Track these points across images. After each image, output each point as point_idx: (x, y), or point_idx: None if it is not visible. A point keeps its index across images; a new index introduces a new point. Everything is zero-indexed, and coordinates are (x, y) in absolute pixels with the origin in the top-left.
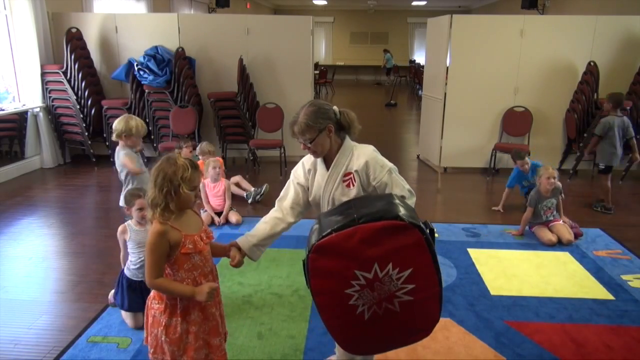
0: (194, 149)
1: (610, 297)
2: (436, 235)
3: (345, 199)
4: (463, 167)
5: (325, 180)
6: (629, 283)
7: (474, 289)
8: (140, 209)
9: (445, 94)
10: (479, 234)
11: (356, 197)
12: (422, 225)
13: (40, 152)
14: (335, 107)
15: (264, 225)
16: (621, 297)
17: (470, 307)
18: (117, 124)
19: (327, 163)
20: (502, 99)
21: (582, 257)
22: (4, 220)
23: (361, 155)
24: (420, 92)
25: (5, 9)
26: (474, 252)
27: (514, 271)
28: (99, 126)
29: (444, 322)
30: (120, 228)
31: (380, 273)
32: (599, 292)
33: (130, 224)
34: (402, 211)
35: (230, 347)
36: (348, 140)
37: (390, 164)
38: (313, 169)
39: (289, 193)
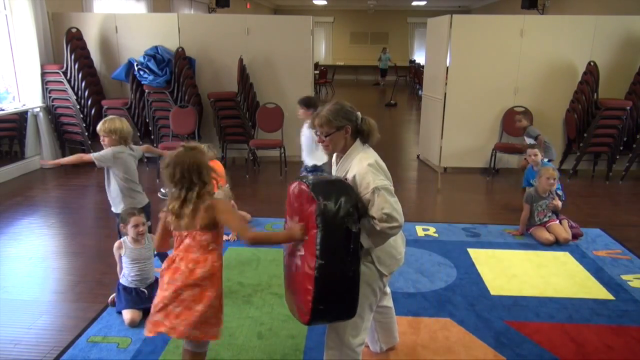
0: None
1: (610, 297)
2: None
3: None
4: (463, 167)
5: None
6: (629, 283)
7: (474, 289)
8: (136, 226)
9: (445, 94)
10: (479, 234)
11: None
12: (322, 205)
13: (40, 152)
14: (358, 113)
15: None
16: (621, 297)
17: (470, 307)
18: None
19: (338, 162)
20: (502, 99)
21: (582, 257)
22: (4, 220)
23: (356, 166)
24: (420, 92)
25: (5, 9)
26: (474, 252)
27: (514, 271)
28: None
29: (444, 322)
30: (116, 244)
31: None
32: (599, 292)
33: (126, 241)
34: (317, 184)
35: (231, 347)
36: (357, 145)
37: (380, 183)
38: (334, 162)
39: None
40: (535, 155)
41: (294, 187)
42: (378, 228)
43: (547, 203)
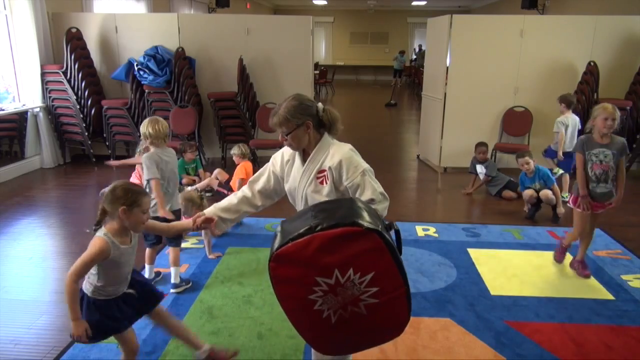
0: (196, 150)
1: (610, 297)
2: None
3: (317, 196)
4: (463, 167)
5: (300, 174)
6: (629, 283)
7: (474, 289)
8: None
9: (445, 94)
10: (479, 234)
11: (319, 203)
12: (381, 229)
13: (40, 152)
14: (319, 105)
15: (233, 198)
16: (621, 297)
17: (470, 307)
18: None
19: (304, 157)
20: (502, 99)
21: None
22: (4, 220)
23: (337, 153)
24: (420, 92)
25: (5, 9)
26: (474, 252)
27: (514, 271)
28: (99, 126)
29: (444, 322)
30: None
31: (342, 278)
32: (599, 292)
33: None
34: (360, 216)
35: (231, 347)
36: (327, 137)
37: (365, 165)
38: (291, 160)
39: (262, 177)
40: (527, 163)
41: (317, 240)
42: (379, 213)
43: (606, 154)
